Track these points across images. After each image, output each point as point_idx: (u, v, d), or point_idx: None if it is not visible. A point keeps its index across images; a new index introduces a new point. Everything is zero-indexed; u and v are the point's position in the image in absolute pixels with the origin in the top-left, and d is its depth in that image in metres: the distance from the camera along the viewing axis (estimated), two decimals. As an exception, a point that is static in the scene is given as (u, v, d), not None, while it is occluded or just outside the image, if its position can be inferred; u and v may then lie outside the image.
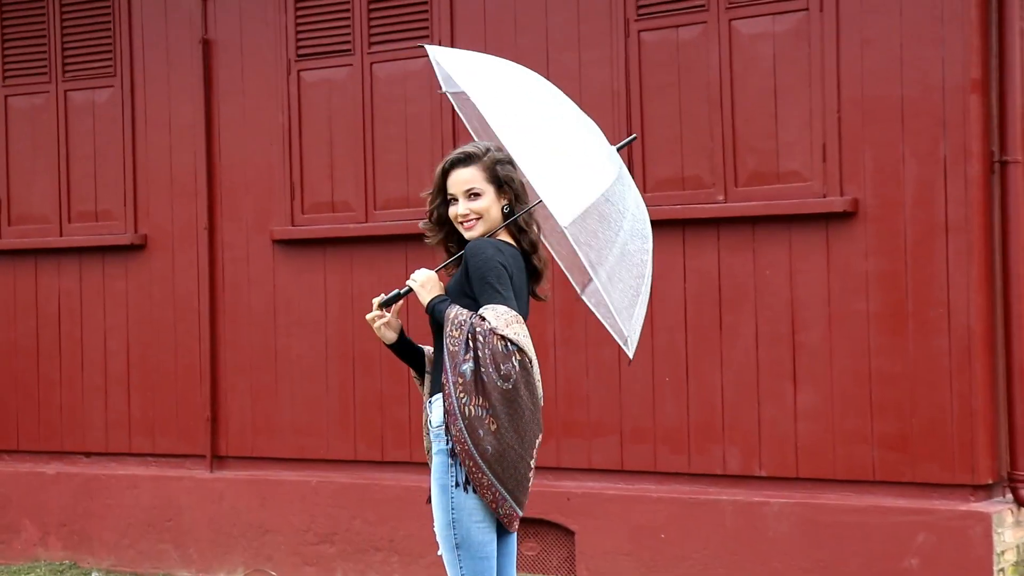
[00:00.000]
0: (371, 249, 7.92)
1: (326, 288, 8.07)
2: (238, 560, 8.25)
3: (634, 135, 4.86)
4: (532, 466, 4.34)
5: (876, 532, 6.61)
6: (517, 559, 7.59)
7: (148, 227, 8.61)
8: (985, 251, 6.57)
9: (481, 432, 4.21)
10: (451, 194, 4.44)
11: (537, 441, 4.35)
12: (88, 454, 8.82)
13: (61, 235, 8.85)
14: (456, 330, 4.23)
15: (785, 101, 6.86)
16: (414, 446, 7.73)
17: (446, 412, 4.27)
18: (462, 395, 4.20)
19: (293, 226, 8.14)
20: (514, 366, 4.21)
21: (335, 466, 8.05)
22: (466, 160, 4.42)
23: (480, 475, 4.24)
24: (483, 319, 4.22)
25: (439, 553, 4.40)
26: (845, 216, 6.73)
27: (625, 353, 4.61)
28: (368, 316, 4.50)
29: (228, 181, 8.37)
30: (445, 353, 4.26)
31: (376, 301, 4.50)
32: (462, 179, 4.41)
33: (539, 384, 4.35)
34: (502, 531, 4.42)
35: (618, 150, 4.47)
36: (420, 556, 7.58)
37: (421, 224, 4.58)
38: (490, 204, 4.39)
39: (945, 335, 6.54)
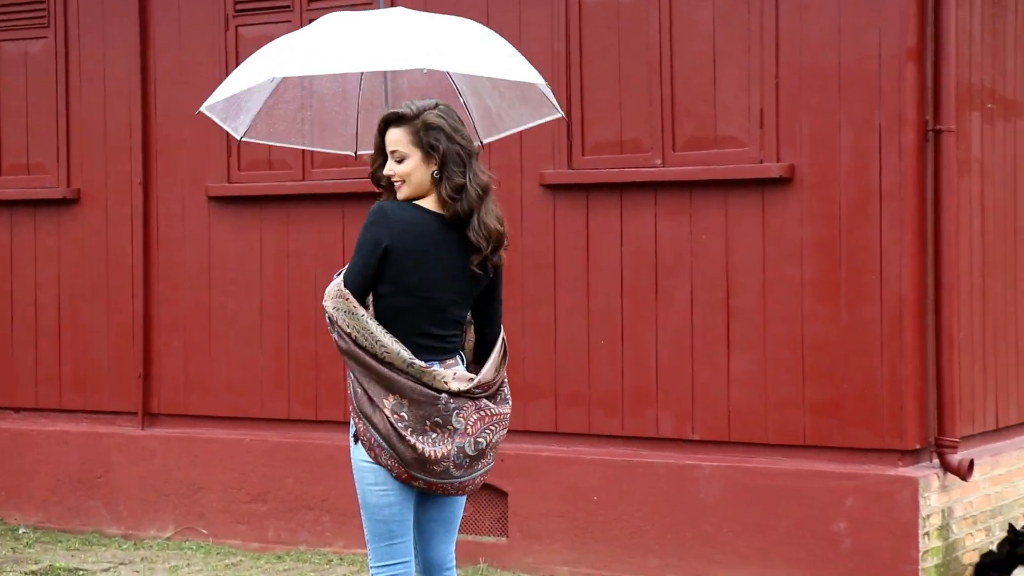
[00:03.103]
0: (308, 208, 7.87)
1: (262, 246, 8.01)
2: (169, 518, 8.22)
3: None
4: (415, 439, 4.21)
5: (806, 496, 6.69)
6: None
7: (81, 181, 8.51)
8: (918, 219, 6.64)
9: (351, 376, 4.33)
10: (387, 153, 4.41)
11: (418, 413, 4.24)
12: (17, 409, 8.74)
13: (-8, 188, 8.73)
14: None
15: (723, 66, 6.88)
16: (348, 406, 7.71)
17: None
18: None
19: (229, 183, 8.07)
20: (336, 334, 4.30)
21: (269, 425, 8.02)
22: (396, 121, 4.35)
23: (356, 419, 4.32)
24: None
25: None
26: (781, 182, 6.77)
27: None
28: None
29: (164, 136, 8.28)
30: None
31: None
32: (390, 140, 4.35)
33: (390, 352, 4.22)
34: (430, 496, 4.42)
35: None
36: (353, 516, 7.57)
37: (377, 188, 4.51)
38: (413, 168, 4.28)
39: (877, 302, 6.61)
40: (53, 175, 8.56)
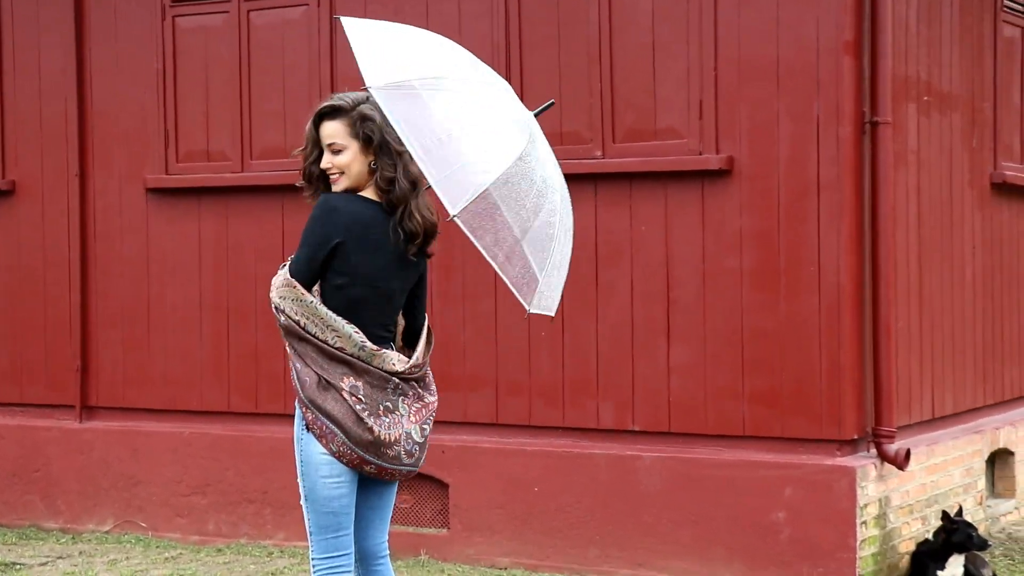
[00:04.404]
0: (247, 199, 7.82)
1: (200, 238, 7.96)
2: (107, 512, 8.15)
3: (551, 101, 4.71)
4: (372, 421, 4.25)
5: (745, 486, 6.73)
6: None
7: (17, 173, 8.42)
8: (855, 210, 6.69)
9: (298, 365, 4.31)
10: (323, 146, 4.40)
11: (373, 396, 4.28)
12: (-47, 404, 8.64)
13: (-75, 179, 8.62)
14: None
15: (663, 58, 6.90)
16: (288, 398, 7.68)
17: None
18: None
19: (167, 175, 8.01)
20: (284, 320, 4.30)
21: (208, 417, 7.97)
22: (332, 113, 4.35)
23: (305, 409, 4.30)
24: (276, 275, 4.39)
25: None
26: (720, 174, 6.80)
27: (521, 306, 4.43)
28: None
29: (100, 127, 8.20)
30: None
31: None
32: (327, 133, 4.36)
33: (342, 336, 4.26)
34: (372, 482, 4.42)
35: (536, 115, 4.43)
36: (293, 508, 7.54)
37: (298, 183, 4.51)
38: (352, 160, 4.32)
39: (815, 293, 6.66)
40: (-12, 166, 8.47)
